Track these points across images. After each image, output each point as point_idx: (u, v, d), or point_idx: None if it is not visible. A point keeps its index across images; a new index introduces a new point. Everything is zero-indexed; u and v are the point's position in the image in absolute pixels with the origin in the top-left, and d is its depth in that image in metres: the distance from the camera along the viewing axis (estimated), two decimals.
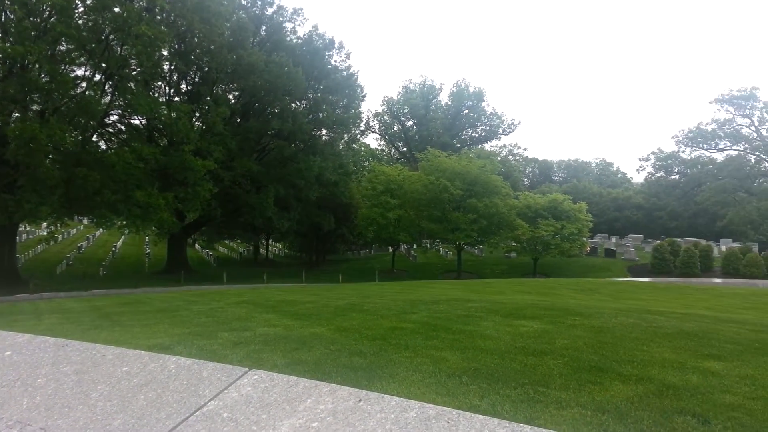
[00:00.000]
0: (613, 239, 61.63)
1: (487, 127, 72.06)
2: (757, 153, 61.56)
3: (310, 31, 53.55)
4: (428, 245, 59.05)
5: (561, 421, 3.87)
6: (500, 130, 71.17)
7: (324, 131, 53.84)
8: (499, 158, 65.22)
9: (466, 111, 72.37)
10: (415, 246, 61.29)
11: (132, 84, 37.86)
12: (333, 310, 9.90)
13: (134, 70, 37.29)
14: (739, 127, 62.75)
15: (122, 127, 45.05)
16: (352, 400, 3.65)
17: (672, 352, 6.11)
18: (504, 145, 73.91)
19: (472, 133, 73.50)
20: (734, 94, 61.73)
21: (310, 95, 51.50)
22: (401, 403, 3.56)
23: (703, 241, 49.66)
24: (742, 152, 62.67)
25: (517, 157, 77.38)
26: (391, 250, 58.07)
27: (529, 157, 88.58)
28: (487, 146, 71.73)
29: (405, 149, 75.44)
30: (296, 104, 49.78)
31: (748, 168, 60.72)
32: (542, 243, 44.00)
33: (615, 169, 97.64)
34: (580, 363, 5.45)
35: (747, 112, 62.02)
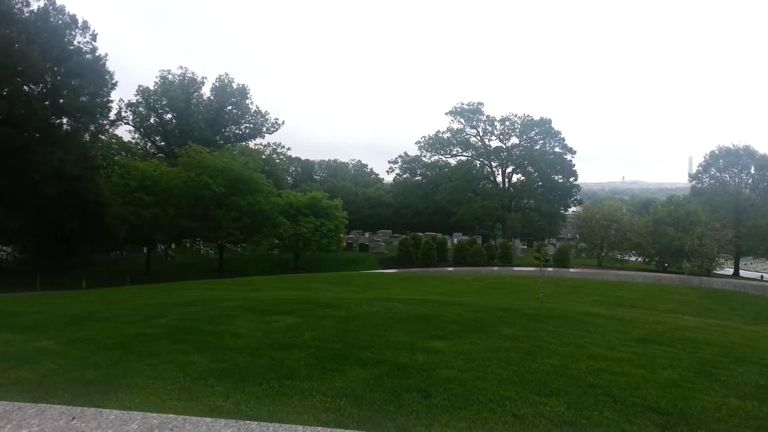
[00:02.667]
0: (367, 234, 66.39)
1: (251, 125, 71.12)
2: (481, 159, 72.16)
3: (46, 4, 46.44)
4: (188, 244, 56.16)
5: (303, 410, 4.04)
6: (264, 129, 70.82)
7: (65, 120, 47.25)
8: (263, 156, 64.95)
9: (230, 107, 70.37)
10: (174, 246, 57.67)
11: None
12: (67, 319, 8.80)
13: None
14: (468, 136, 72.86)
15: None
16: (64, 419, 3.28)
17: (405, 335, 6.83)
18: (268, 143, 73.65)
19: (235, 130, 71.73)
20: (464, 108, 71.49)
21: (48, 78, 44.76)
22: (121, 416, 3.32)
23: (440, 235, 56.42)
24: (470, 158, 72.85)
25: (281, 156, 78.07)
26: (146, 250, 53.75)
27: (293, 156, 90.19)
28: (252, 144, 70.95)
29: (163, 143, 70.33)
30: (30, 87, 42.89)
31: (474, 172, 70.85)
32: (303, 239, 45.21)
33: (369, 170, 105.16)
34: (325, 353, 5.76)
35: (474, 123, 72.33)
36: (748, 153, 57.10)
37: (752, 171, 57.58)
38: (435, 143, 73.38)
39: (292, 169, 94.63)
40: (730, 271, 53.69)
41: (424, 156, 75.84)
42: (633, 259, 52.62)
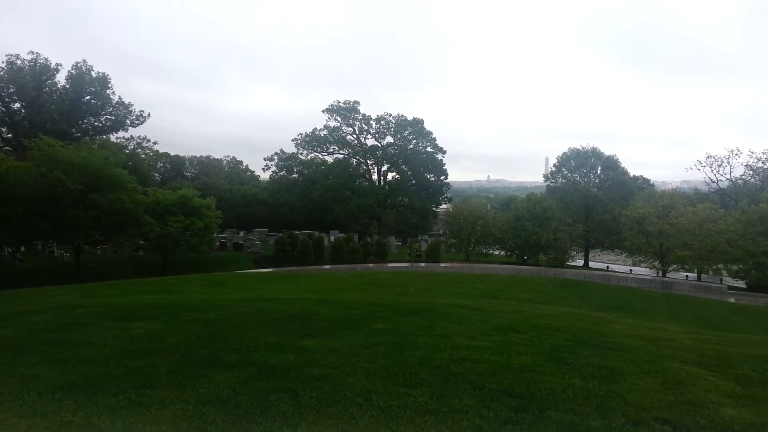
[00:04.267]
0: (242, 233, 64.48)
1: (113, 117, 65.68)
2: (357, 157, 73.08)
3: None
4: (40, 247, 50.80)
5: (161, 420, 3.83)
6: (128, 122, 65.76)
7: None
8: (126, 151, 60.54)
9: (89, 97, 64.40)
10: (23, 249, 51.86)
11: None
12: None
13: None
14: (345, 134, 73.45)
15: None
16: None
17: (276, 336, 6.73)
18: (132, 137, 68.64)
19: (95, 122, 65.80)
20: (341, 106, 71.98)
21: None
22: None
23: (317, 233, 56.29)
24: (347, 156, 73.51)
25: (147, 151, 73.21)
26: None
27: (161, 151, 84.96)
28: (114, 138, 65.75)
29: (10, 135, 62.92)
30: None
31: (351, 170, 71.62)
32: (172, 240, 42.88)
33: (245, 167, 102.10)
34: (189, 358, 5.50)
35: (350, 122, 73.05)
36: (596, 155, 63.27)
37: (599, 171, 63.86)
38: (312, 141, 73.07)
39: (160, 165, 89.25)
40: (581, 262, 59.26)
41: (301, 154, 75.28)
42: (497, 252, 56.20)
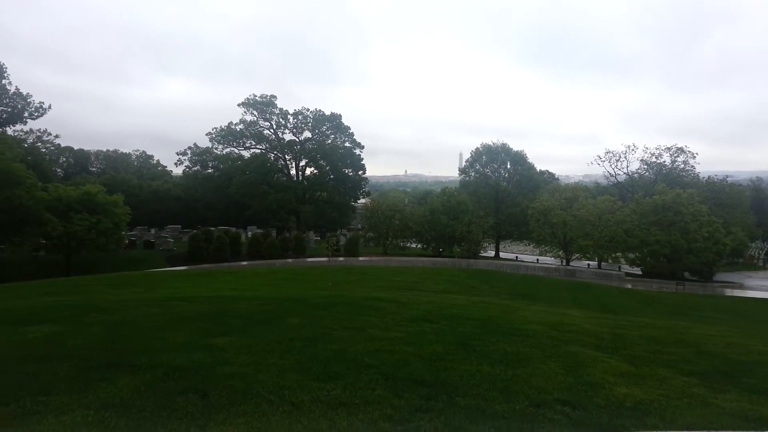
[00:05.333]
0: (153, 231, 61.67)
1: (10, 109, 60.59)
2: (275, 152, 71.83)
3: None
4: None
5: (59, 428, 3.64)
6: (26, 113, 60.85)
7: None
8: (25, 145, 56.17)
9: None
10: None
11: None
12: None
13: None
14: (262, 128, 71.86)
15: None
16: None
17: (186, 335, 6.53)
18: (31, 130, 63.63)
19: None
20: (258, 100, 70.35)
21: None
22: None
23: (233, 229, 54.85)
24: (264, 151, 72.02)
25: (48, 145, 68.31)
26: None
27: (63, 145, 79.33)
28: (10, 131, 60.65)
29: None
30: None
31: (269, 164, 70.26)
32: (76, 239, 40.34)
33: (156, 161, 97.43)
34: (90, 362, 5.24)
35: (267, 116, 71.59)
36: (505, 150, 65.77)
37: (508, 166, 66.44)
38: (228, 135, 71.00)
39: (62, 159, 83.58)
40: (493, 253, 61.55)
41: (216, 148, 73.02)
42: (414, 245, 57.26)
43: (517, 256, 59.54)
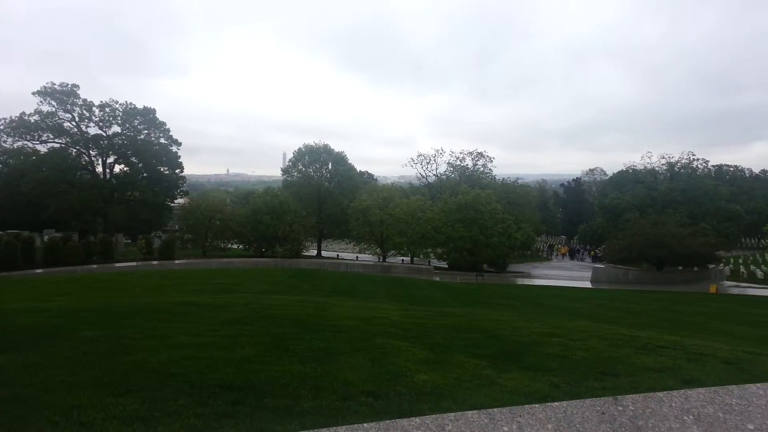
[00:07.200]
0: None
1: None
2: (78, 147, 64.40)
3: None
4: None
5: None
6: None
7: None
8: None
9: None
10: None
11: None
12: None
13: None
14: (62, 121, 63.87)
15: None
16: None
17: None
18: None
19: None
20: (57, 89, 62.12)
21: None
22: None
23: (26, 233, 48.25)
24: (64, 145, 64.15)
25: None
26: None
27: None
28: None
29: None
30: None
31: (70, 161, 62.77)
32: None
33: None
34: None
35: (69, 107, 63.83)
36: (327, 151, 66.95)
37: (330, 167, 67.74)
38: (20, 127, 61.80)
39: None
40: (315, 252, 62.35)
41: (5, 141, 63.31)
42: (236, 246, 55.75)
43: (338, 255, 61.01)
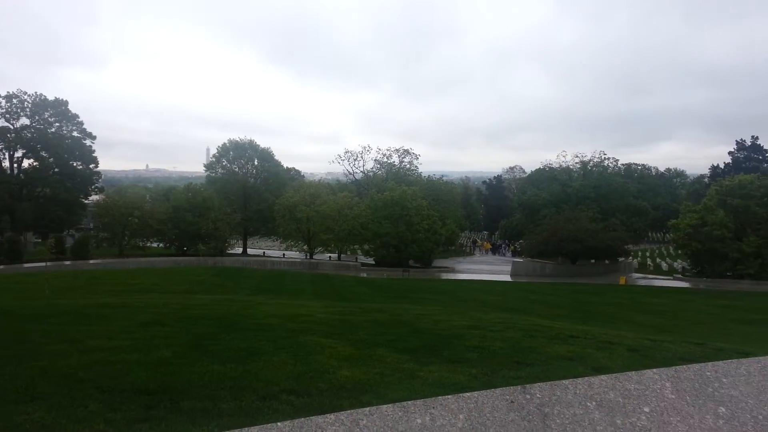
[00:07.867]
0: None
1: None
2: None
3: None
4: None
5: None
6: None
7: None
8: None
9: None
10: None
11: None
12: None
13: None
14: None
15: None
16: None
17: None
18: None
19: None
20: None
21: None
22: None
23: None
24: None
25: None
26: None
27: None
28: None
29: None
30: None
31: None
32: None
33: None
34: None
35: None
36: (252, 147, 65.66)
37: (256, 163, 66.48)
38: None
39: None
40: (240, 249, 61.00)
41: None
42: (156, 245, 53.59)
43: (264, 252, 59.98)
